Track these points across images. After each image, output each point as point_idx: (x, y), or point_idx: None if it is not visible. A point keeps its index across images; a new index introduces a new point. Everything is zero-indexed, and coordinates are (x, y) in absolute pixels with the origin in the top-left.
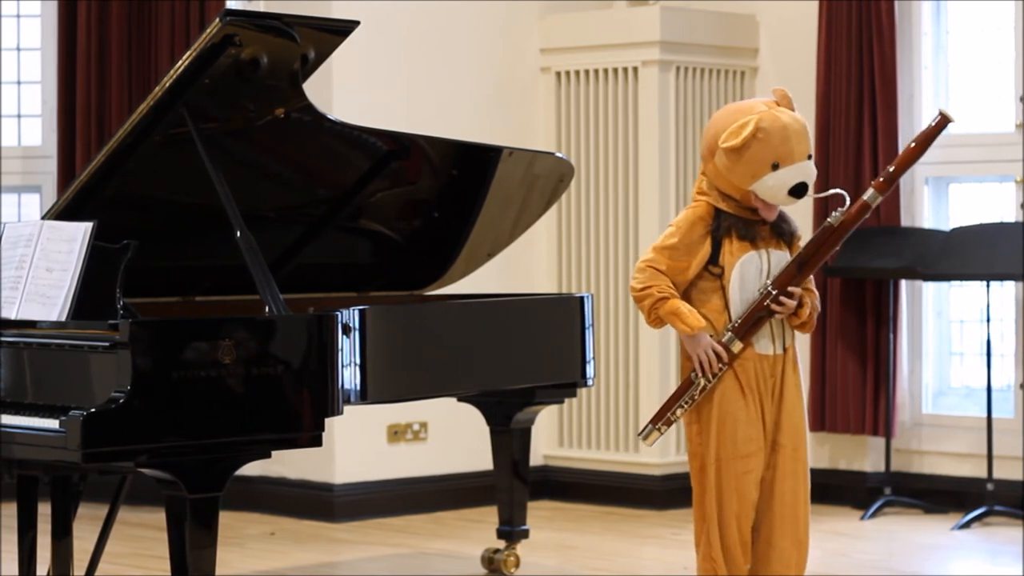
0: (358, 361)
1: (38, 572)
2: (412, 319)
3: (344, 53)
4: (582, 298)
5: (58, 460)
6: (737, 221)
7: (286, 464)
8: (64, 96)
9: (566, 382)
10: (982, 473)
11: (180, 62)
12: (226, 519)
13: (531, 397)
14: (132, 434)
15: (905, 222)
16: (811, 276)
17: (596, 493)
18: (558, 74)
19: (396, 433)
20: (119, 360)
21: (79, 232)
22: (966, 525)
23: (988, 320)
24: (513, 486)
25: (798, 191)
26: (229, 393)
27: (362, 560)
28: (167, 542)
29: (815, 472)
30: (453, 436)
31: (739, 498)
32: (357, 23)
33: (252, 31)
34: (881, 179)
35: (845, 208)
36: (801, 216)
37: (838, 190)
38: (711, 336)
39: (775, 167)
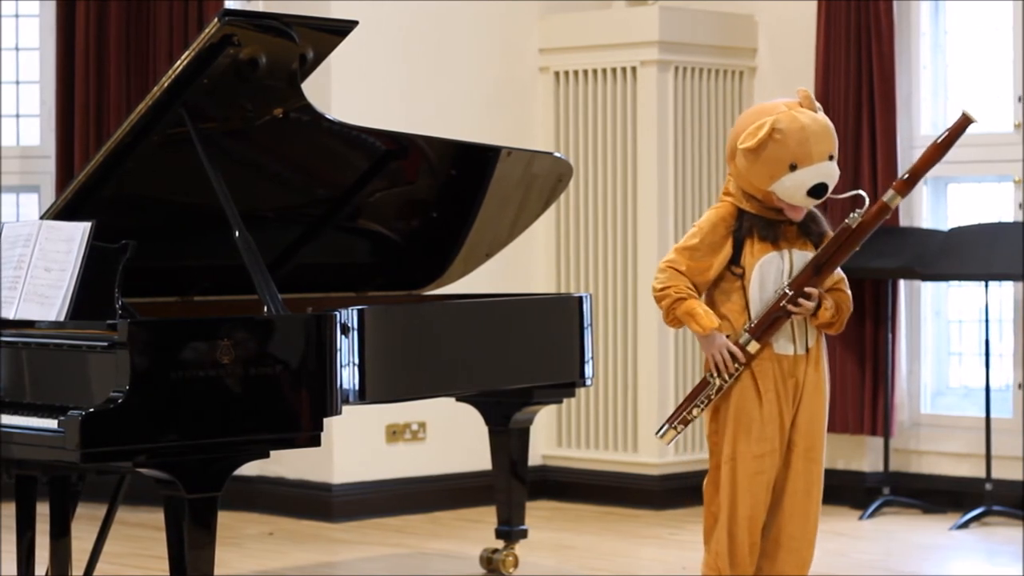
0: (356, 361)
1: (36, 572)
2: (411, 319)
3: (343, 53)
4: (581, 298)
5: (56, 460)
6: (759, 221)
7: (284, 464)
8: (63, 96)
9: (565, 382)
10: (980, 473)
11: (179, 62)
12: (224, 519)
13: (530, 397)
14: (130, 434)
15: (904, 222)
16: (843, 276)
17: (594, 493)
18: (557, 74)
19: (395, 433)
20: (117, 360)
21: (77, 232)
22: (964, 525)
23: (987, 320)
24: (511, 486)
25: (817, 192)
26: (227, 393)
27: (361, 560)
28: (165, 542)
29: None
30: (452, 436)
31: (751, 499)
32: (356, 23)
33: (251, 31)
34: (901, 180)
35: (864, 209)
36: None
37: (858, 191)
38: (728, 337)
39: (793, 168)
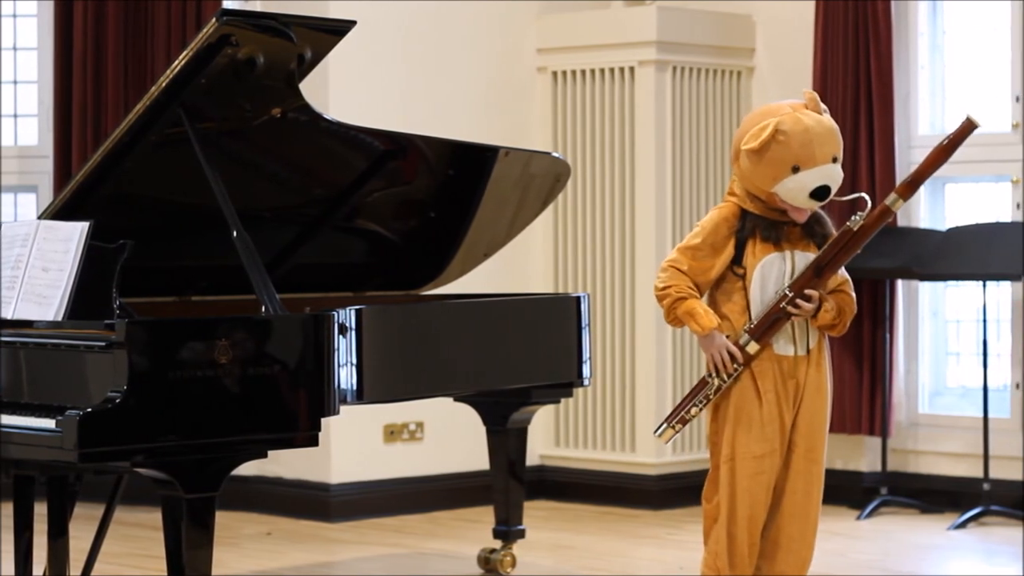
0: (354, 361)
1: (34, 572)
2: (408, 319)
3: (341, 53)
4: (578, 298)
5: (54, 460)
6: (762, 222)
7: (282, 464)
8: (60, 96)
9: (562, 382)
10: (978, 473)
11: (176, 62)
12: (222, 519)
13: (527, 397)
14: (128, 434)
15: (901, 222)
16: (847, 278)
17: (592, 493)
18: (555, 74)
19: (392, 433)
20: (115, 360)
21: (75, 232)
22: (962, 525)
23: (984, 320)
24: (509, 486)
25: (819, 194)
26: (225, 393)
27: (358, 560)
28: (163, 542)
29: None
30: (449, 436)
31: (750, 500)
32: (354, 23)
33: (249, 31)
34: (904, 183)
35: (866, 212)
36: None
37: (861, 194)
38: (728, 337)
39: (795, 170)
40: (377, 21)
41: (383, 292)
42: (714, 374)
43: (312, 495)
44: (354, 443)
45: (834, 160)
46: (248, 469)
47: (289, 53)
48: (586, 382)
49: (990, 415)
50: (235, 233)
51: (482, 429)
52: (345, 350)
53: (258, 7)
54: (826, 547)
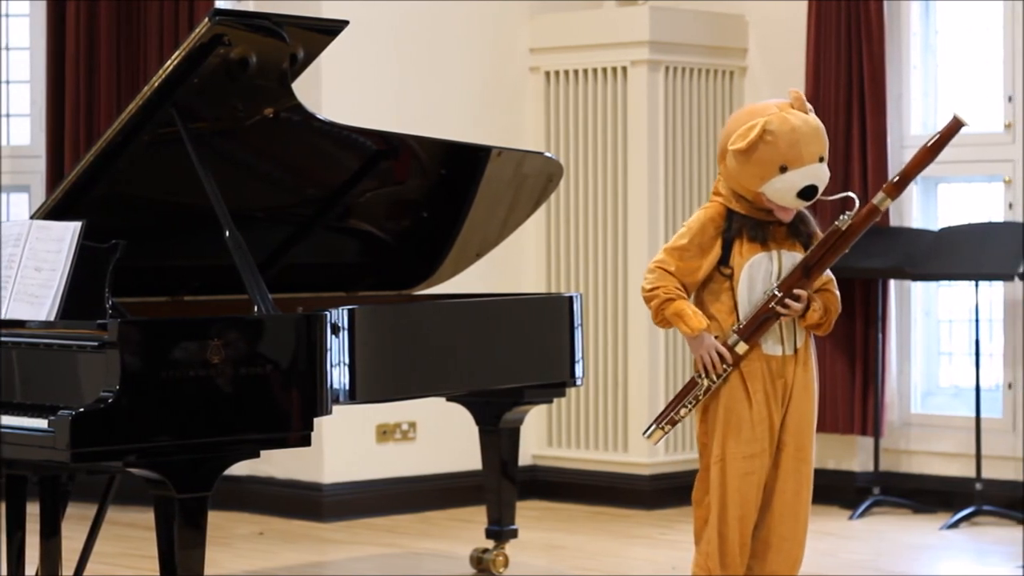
0: (347, 361)
1: (27, 572)
2: (401, 319)
3: (333, 53)
4: (571, 298)
5: (47, 460)
6: (748, 222)
7: (275, 464)
8: (53, 96)
9: (555, 382)
10: (971, 473)
11: (169, 62)
12: (215, 519)
13: (520, 397)
14: (120, 434)
15: (894, 222)
16: (832, 277)
17: (585, 493)
18: (547, 74)
19: (385, 433)
20: (108, 360)
21: (68, 232)
22: (955, 525)
23: (976, 320)
24: (502, 486)
25: (807, 194)
26: (218, 393)
27: (351, 560)
28: (156, 542)
29: None
30: (442, 436)
31: (741, 500)
32: (346, 23)
33: (241, 31)
34: (891, 183)
35: (854, 211)
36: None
37: (848, 193)
38: (717, 337)
39: (783, 169)
40: (370, 21)
41: (376, 292)
42: (703, 375)
43: (305, 495)
44: (347, 443)
45: (821, 160)
46: (240, 469)
47: (282, 53)
48: (578, 382)
49: (982, 415)
50: (227, 233)
51: (475, 429)
52: (337, 350)
53: (251, 7)
54: (818, 547)
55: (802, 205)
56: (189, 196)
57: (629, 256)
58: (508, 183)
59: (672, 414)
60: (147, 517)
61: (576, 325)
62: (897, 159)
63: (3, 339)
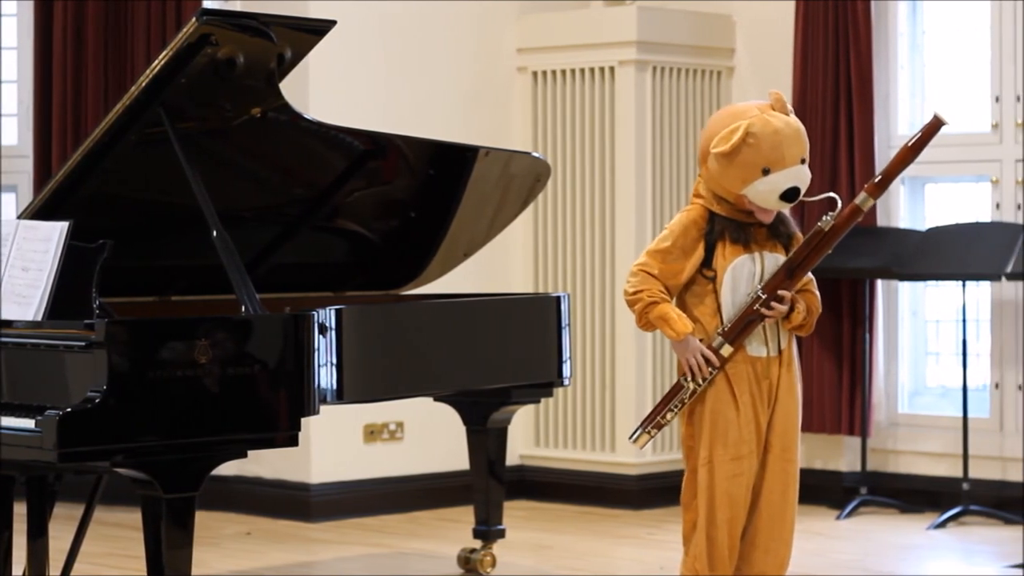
0: (334, 361)
1: (14, 572)
2: (388, 319)
3: (321, 53)
4: (558, 298)
5: (34, 460)
6: (731, 224)
7: (262, 464)
8: (40, 95)
9: (542, 382)
10: (958, 473)
11: (156, 61)
12: (202, 519)
13: (507, 397)
14: (108, 434)
15: (881, 222)
16: (812, 277)
17: (572, 493)
18: (535, 74)
19: (372, 433)
20: (95, 360)
21: (55, 232)
22: (942, 525)
23: (964, 320)
24: (489, 486)
25: (789, 196)
26: (205, 393)
27: (338, 560)
28: (143, 542)
29: None
30: (429, 436)
31: (729, 501)
32: (334, 23)
33: (229, 30)
34: (873, 183)
35: (836, 212)
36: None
37: (830, 194)
38: (701, 340)
39: (766, 172)
40: (357, 21)
41: (363, 292)
42: (689, 378)
43: (292, 495)
44: (334, 443)
45: (802, 161)
46: (228, 469)
47: (269, 53)
48: (566, 382)
49: (969, 415)
50: (215, 233)
51: (462, 429)
52: (325, 350)
53: (238, 7)
54: (806, 547)
55: (785, 207)
56: (176, 196)
57: (616, 256)
58: (496, 183)
59: (658, 418)
60: (134, 517)
61: (564, 325)
62: (884, 159)
63: None
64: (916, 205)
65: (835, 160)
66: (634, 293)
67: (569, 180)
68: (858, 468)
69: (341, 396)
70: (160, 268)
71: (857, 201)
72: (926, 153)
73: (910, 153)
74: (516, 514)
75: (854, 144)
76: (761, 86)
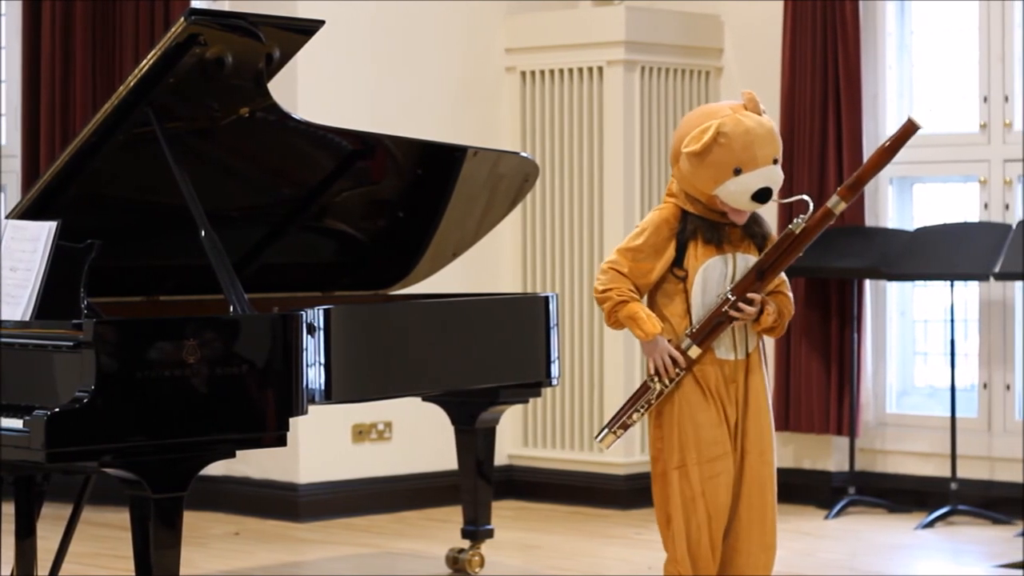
0: (322, 361)
1: (2, 572)
2: (377, 319)
3: (309, 52)
4: (547, 298)
5: (22, 460)
6: (703, 224)
7: (250, 464)
8: (29, 95)
9: (531, 382)
10: (946, 473)
11: (145, 61)
12: (190, 519)
13: (496, 397)
14: (96, 434)
15: (869, 222)
16: (785, 279)
17: (561, 493)
18: (523, 74)
19: (360, 433)
20: (83, 360)
21: (43, 232)
22: (930, 524)
23: (952, 320)
24: (478, 486)
25: (761, 196)
26: (193, 393)
27: (327, 560)
28: (131, 542)
29: (779, 472)
30: (418, 436)
31: (709, 502)
32: (322, 23)
33: (217, 30)
34: (846, 186)
35: (808, 215)
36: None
37: (803, 196)
38: (670, 341)
39: (737, 172)
40: (346, 21)
41: (352, 292)
42: (656, 379)
43: (280, 495)
44: (322, 443)
45: (775, 161)
46: (216, 469)
47: (257, 53)
48: (554, 382)
49: (957, 415)
50: (203, 233)
51: (450, 429)
52: (313, 350)
53: (226, 7)
54: (794, 547)
55: (757, 207)
56: (165, 196)
57: (605, 256)
58: (484, 183)
59: (624, 418)
60: (122, 517)
61: (552, 325)
62: None
63: None
64: (904, 205)
65: (823, 160)
66: (603, 291)
67: (558, 180)
68: (846, 468)
69: (329, 396)
70: (148, 268)
71: (829, 204)
72: (914, 153)
73: (883, 156)
74: (504, 514)
75: (842, 144)
76: (749, 86)
